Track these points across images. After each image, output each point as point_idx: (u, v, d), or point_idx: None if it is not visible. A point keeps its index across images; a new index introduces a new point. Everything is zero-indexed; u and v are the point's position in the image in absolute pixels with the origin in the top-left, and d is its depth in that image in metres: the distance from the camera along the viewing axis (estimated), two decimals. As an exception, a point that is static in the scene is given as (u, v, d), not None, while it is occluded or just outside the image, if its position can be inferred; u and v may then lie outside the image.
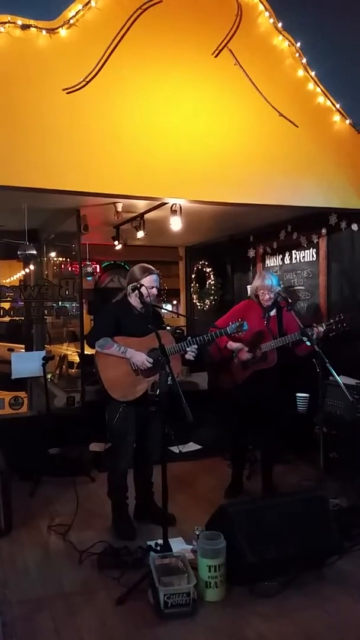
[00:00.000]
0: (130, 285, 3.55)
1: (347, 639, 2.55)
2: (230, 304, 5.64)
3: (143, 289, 3.49)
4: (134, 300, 3.58)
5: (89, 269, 7.85)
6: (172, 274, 9.61)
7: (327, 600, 2.84)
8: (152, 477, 3.78)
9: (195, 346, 3.52)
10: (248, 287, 6.26)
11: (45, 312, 5.04)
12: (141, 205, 5.01)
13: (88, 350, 4.11)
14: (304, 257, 5.60)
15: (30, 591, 2.96)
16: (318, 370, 3.56)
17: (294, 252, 5.76)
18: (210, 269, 7.51)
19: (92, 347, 3.55)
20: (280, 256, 5.99)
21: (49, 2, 4.12)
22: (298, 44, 4.45)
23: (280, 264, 5.99)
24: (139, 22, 3.90)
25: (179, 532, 3.50)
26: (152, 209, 5.11)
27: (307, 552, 3.02)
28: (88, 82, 3.76)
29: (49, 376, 5.11)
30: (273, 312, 4.15)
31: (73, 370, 6.82)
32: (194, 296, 8.02)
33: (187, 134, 4.06)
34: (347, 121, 4.66)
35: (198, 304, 7.86)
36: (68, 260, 7.62)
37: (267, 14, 4.32)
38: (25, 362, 4.91)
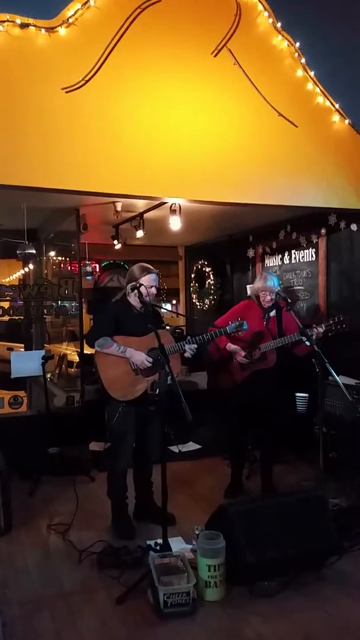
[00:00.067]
0: (130, 284, 3.55)
1: (347, 639, 2.56)
2: (230, 304, 5.64)
3: (142, 289, 3.49)
4: (133, 299, 3.58)
5: (89, 269, 7.84)
6: (171, 274, 9.61)
7: (327, 600, 2.84)
8: (152, 476, 3.78)
9: (195, 345, 3.52)
10: (247, 287, 6.26)
11: (45, 311, 5.03)
12: (141, 204, 5.01)
13: (87, 350, 4.11)
14: (303, 257, 5.61)
15: (30, 591, 2.96)
16: (317, 370, 3.56)
17: (293, 252, 5.76)
18: (209, 269, 7.51)
19: (92, 346, 3.55)
20: (280, 256, 5.99)
21: (48, 1, 4.12)
22: (297, 44, 4.45)
23: (280, 263, 5.99)
24: (138, 22, 3.90)
25: (178, 532, 3.50)
26: (152, 208, 5.11)
27: (306, 552, 3.02)
28: (87, 81, 3.76)
29: (48, 375, 5.11)
30: (273, 313, 4.15)
31: (72, 370, 6.81)
32: (194, 296, 8.02)
33: (186, 133, 4.06)
34: (346, 121, 4.66)
35: (197, 303, 7.86)
36: (67, 259, 7.60)
37: (266, 13, 4.33)
38: (25, 362, 4.91)
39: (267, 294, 4.07)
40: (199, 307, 7.83)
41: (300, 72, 4.47)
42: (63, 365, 6.71)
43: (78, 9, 3.75)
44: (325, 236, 5.24)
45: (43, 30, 3.68)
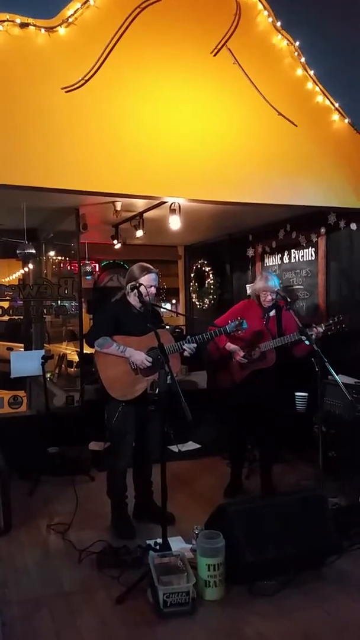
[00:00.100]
0: (129, 284, 3.55)
1: (346, 638, 2.56)
2: (229, 303, 5.65)
3: (142, 288, 3.49)
4: (133, 299, 3.58)
5: (88, 268, 7.84)
6: (171, 273, 9.60)
7: (326, 599, 2.84)
8: (152, 476, 3.78)
9: (194, 345, 3.52)
10: (247, 286, 6.26)
11: (45, 311, 5.03)
12: (140, 204, 5.01)
13: (87, 350, 4.11)
14: (302, 256, 5.61)
15: (30, 590, 2.96)
16: (317, 369, 3.56)
17: (292, 251, 5.76)
18: (209, 268, 7.51)
19: (92, 346, 3.55)
20: (279, 255, 5.99)
21: (48, 0, 4.12)
22: (297, 43, 4.45)
23: (279, 263, 5.99)
24: (137, 21, 3.90)
25: (178, 531, 3.50)
26: (151, 208, 5.11)
27: (305, 552, 3.03)
28: (87, 81, 3.76)
29: (48, 375, 5.11)
30: (272, 312, 4.15)
31: (72, 370, 6.81)
32: (193, 295, 8.02)
33: (186, 133, 4.06)
34: (346, 120, 4.66)
35: (197, 303, 7.86)
36: (67, 259, 7.61)
37: (265, 12, 4.33)
38: (25, 361, 4.91)
39: (268, 294, 4.07)
40: (198, 306, 7.83)
41: (299, 72, 4.47)
42: (63, 365, 6.72)
43: (78, 9, 3.75)
44: (325, 235, 5.24)
45: (43, 30, 3.67)
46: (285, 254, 5.88)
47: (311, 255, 5.46)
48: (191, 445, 5.47)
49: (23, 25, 3.62)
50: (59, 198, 4.22)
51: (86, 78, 3.75)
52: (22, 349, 6.80)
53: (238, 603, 2.81)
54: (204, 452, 5.33)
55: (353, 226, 4.87)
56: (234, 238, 6.88)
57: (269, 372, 4.06)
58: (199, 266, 7.79)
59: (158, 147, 3.96)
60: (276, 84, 4.36)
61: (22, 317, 5.90)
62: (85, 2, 3.76)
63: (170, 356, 3.26)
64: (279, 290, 4.10)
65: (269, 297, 4.08)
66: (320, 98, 4.56)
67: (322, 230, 5.24)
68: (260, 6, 4.31)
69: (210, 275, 7.46)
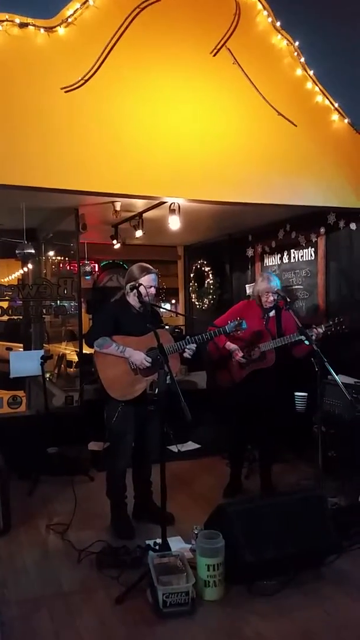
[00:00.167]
0: (129, 284, 3.55)
1: (346, 637, 2.56)
2: (229, 303, 5.65)
3: (141, 288, 3.49)
4: (132, 299, 3.58)
5: (88, 268, 7.84)
6: (170, 273, 9.60)
7: (326, 599, 2.84)
8: (151, 476, 3.78)
9: (194, 345, 3.52)
10: (247, 286, 6.26)
11: (44, 311, 5.03)
12: (140, 204, 5.01)
13: (87, 350, 4.11)
14: (302, 256, 5.61)
15: (29, 590, 2.96)
16: (317, 369, 3.56)
17: (292, 251, 5.76)
18: (208, 268, 7.51)
19: (91, 346, 3.55)
20: (279, 255, 5.99)
21: (47, 0, 4.12)
22: (296, 43, 4.45)
23: (279, 263, 5.99)
24: (137, 21, 3.89)
25: (177, 531, 3.50)
26: (151, 208, 5.11)
27: (305, 551, 3.03)
28: (86, 81, 3.76)
29: (47, 375, 5.11)
30: (272, 313, 4.15)
31: (72, 370, 6.81)
32: (193, 295, 8.02)
33: (185, 132, 4.05)
34: (346, 120, 4.66)
35: (197, 303, 7.86)
36: (66, 259, 7.61)
37: (265, 12, 4.32)
38: (24, 361, 4.91)
39: (270, 294, 4.06)
40: (198, 306, 7.83)
41: (299, 71, 4.47)
42: (62, 365, 6.71)
43: (77, 9, 3.75)
44: (325, 235, 5.24)
45: (42, 30, 3.67)
46: (285, 254, 5.88)
47: (311, 255, 5.46)
48: (191, 445, 5.47)
49: (22, 25, 3.61)
50: (59, 198, 4.22)
51: (86, 78, 3.75)
52: (22, 349, 6.80)
53: (237, 603, 2.81)
54: (203, 452, 5.33)
55: (353, 226, 4.87)
56: (234, 238, 6.88)
57: (269, 372, 4.06)
58: (198, 266, 7.79)
59: (157, 147, 3.96)
60: (276, 84, 4.36)
61: (21, 317, 5.91)
62: (84, 2, 3.76)
63: (169, 356, 3.26)
64: (278, 290, 4.10)
65: (271, 298, 4.08)
66: (319, 98, 4.55)
67: (322, 230, 5.25)
68: (259, 6, 4.31)
69: (210, 275, 7.46)
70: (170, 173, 4.01)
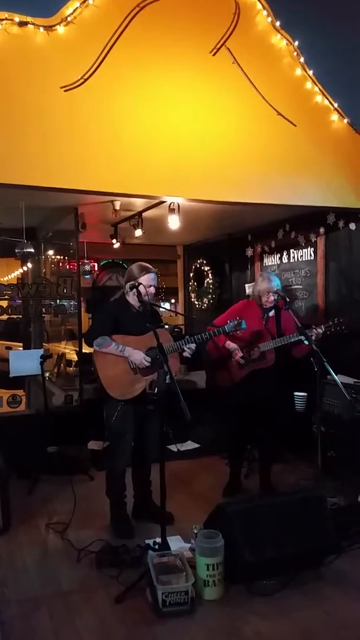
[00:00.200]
0: (129, 283, 3.55)
1: (346, 637, 2.56)
2: (229, 303, 5.65)
3: (141, 288, 3.49)
4: (132, 298, 3.58)
5: (87, 267, 7.84)
6: (170, 273, 9.60)
7: (325, 599, 2.84)
8: (151, 475, 3.78)
9: (194, 344, 3.52)
10: (246, 286, 6.26)
11: (43, 310, 5.03)
12: (139, 203, 5.01)
13: (86, 349, 4.11)
14: (302, 256, 5.61)
15: (29, 590, 2.97)
16: (316, 369, 3.57)
17: (292, 251, 5.76)
18: (208, 268, 7.51)
19: (91, 345, 3.55)
20: (278, 255, 5.99)
21: (47, -1, 4.11)
22: (296, 43, 4.44)
23: (279, 263, 5.99)
24: (136, 20, 3.89)
25: (177, 531, 3.51)
26: (151, 207, 5.10)
27: (304, 551, 3.03)
28: (86, 80, 3.75)
29: (47, 374, 5.11)
30: (272, 313, 4.15)
31: (71, 369, 6.81)
32: (192, 295, 8.02)
33: (185, 132, 4.05)
34: (345, 120, 4.66)
35: (196, 302, 7.86)
36: (66, 258, 7.60)
37: (265, 12, 4.32)
38: (24, 361, 4.90)
39: (271, 294, 4.06)
40: (197, 306, 7.83)
41: (299, 71, 4.47)
42: (62, 364, 6.72)
43: (77, 8, 3.74)
44: (324, 235, 5.24)
45: (42, 29, 3.66)
46: (285, 253, 5.88)
47: (310, 255, 5.46)
48: (190, 445, 5.47)
49: (22, 24, 3.61)
50: (58, 197, 4.22)
51: (85, 77, 3.75)
52: (21, 348, 6.79)
53: (237, 602, 2.81)
54: (203, 452, 5.33)
55: (352, 226, 4.87)
56: (233, 238, 6.88)
57: (268, 371, 4.06)
58: (198, 266, 7.79)
59: (157, 146, 3.96)
60: (275, 84, 4.36)
61: (21, 316, 5.89)
62: (84, 1, 3.75)
63: (169, 356, 3.26)
64: (278, 290, 4.10)
65: (272, 298, 4.07)
66: (319, 98, 4.55)
67: (321, 230, 5.25)
68: (259, 6, 4.30)
69: (209, 274, 7.46)
70: (170, 172, 4.01)
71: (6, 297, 4.73)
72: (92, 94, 3.76)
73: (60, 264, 7.95)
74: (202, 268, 7.64)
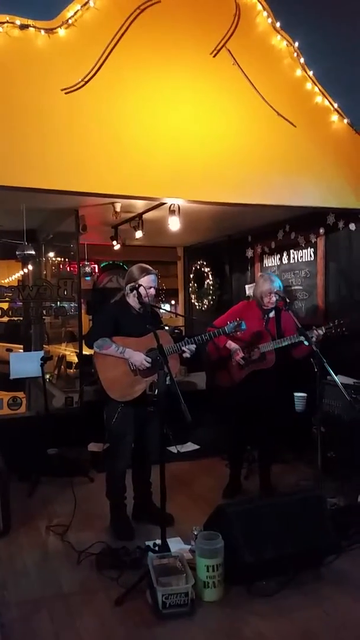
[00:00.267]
0: (129, 285, 3.55)
1: (346, 637, 2.56)
2: (229, 304, 5.65)
3: (141, 289, 3.49)
4: (132, 300, 3.58)
5: (88, 269, 7.85)
6: (170, 274, 9.60)
7: (326, 599, 2.84)
8: (151, 477, 3.77)
9: (194, 346, 3.52)
10: (246, 287, 6.26)
11: (44, 312, 5.03)
12: (140, 205, 5.01)
13: (86, 351, 4.11)
14: (302, 256, 5.61)
15: (29, 592, 2.96)
16: (316, 369, 3.57)
17: (292, 251, 5.76)
18: (208, 269, 7.51)
19: (91, 347, 3.55)
20: (279, 256, 5.99)
21: (48, 2, 4.12)
22: (296, 44, 4.45)
23: (279, 263, 6.00)
24: (137, 23, 3.90)
25: (177, 532, 3.50)
26: (151, 209, 5.11)
27: (304, 552, 3.03)
28: (87, 82, 3.76)
29: (47, 376, 5.11)
30: (272, 313, 4.15)
31: (71, 371, 6.81)
32: (192, 296, 8.02)
33: (185, 134, 4.06)
34: (345, 121, 4.66)
35: (196, 303, 7.86)
36: (66, 260, 7.61)
37: (265, 13, 4.33)
38: (24, 363, 4.90)
39: (273, 295, 4.06)
40: (197, 307, 7.83)
41: (299, 72, 4.47)
42: (62, 366, 6.72)
43: (77, 10, 3.75)
44: (324, 236, 5.24)
45: (42, 32, 3.67)
46: (285, 254, 5.88)
47: (310, 255, 5.47)
48: (190, 446, 5.47)
49: (23, 27, 3.62)
50: (58, 199, 4.22)
51: (86, 79, 3.75)
52: (22, 350, 6.80)
53: (237, 604, 2.81)
54: (203, 453, 5.33)
55: (352, 227, 4.87)
56: (233, 239, 6.88)
57: (269, 372, 4.06)
58: (198, 267, 7.79)
59: (157, 148, 3.96)
60: (275, 85, 4.36)
61: (21, 318, 5.90)
62: (85, 4, 3.76)
63: (169, 357, 3.26)
64: (278, 291, 4.10)
65: (274, 299, 4.07)
66: (319, 98, 4.55)
67: (321, 230, 5.25)
68: (259, 7, 4.31)
69: (210, 276, 7.46)
70: (170, 174, 4.01)
71: (7, 299, 4.73)
72: (92, 96, 3.77)
73: (61, 266, 7.96)
74: (202, 269, 7.64)
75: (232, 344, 4.09)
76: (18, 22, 3.61)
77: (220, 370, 4.24)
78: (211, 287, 7.42)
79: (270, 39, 4.39)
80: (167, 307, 11.96)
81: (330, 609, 2.75)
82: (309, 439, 4.31)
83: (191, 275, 8.04)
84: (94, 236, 6.35)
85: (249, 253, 6.53)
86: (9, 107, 3.57)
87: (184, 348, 3.51)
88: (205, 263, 7.60)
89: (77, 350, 5.38)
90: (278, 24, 4.39)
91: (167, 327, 5.69)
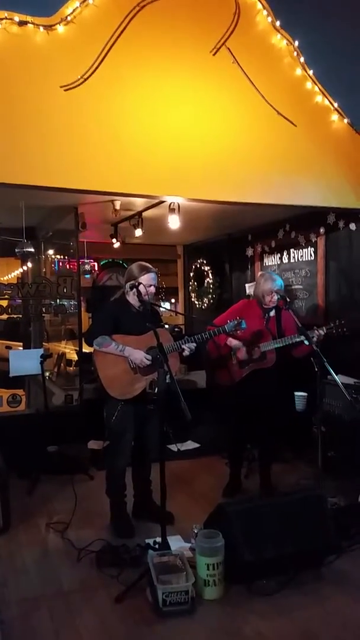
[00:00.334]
0: (129, 283, 3.55)
1: (346, 637, 2.56)
2: (229, 303, 5.65)
3: (141, 287, 3.49)
4: (132, 298, 3.58)
5: (87, 267, 7.84)
6: (170, 272, 9.61)
7: (326, 599, 2.84)
8: (151, 475, 3.78)
9: (194, 344, 3.52)
10: (247, 285, 6.26)
11: (43, 309, 5.02)
12: (139, 203, 5.00)
13: (86, 348, 4.10)
14: (302, 256, 5.61)
15: (29, 589, 2.96)
16: (316, 369, 3.56)
17: (292, 251, 5.76)
18: (208, 268, 7.51)
19: (91, 345, 3.54)
20: (279, 255, 5.99)
21: (47, -2, 4.11)
22: (296, 43, 4.44)
23: (279, 262, 5.99)
24: (136, 20, 3.89)
25: (177, 531, 3.51)
26: (151, 207, 5.10)
27: (304, 551, 3.03)
28: (86, 80, 3.75)
29: (47, 374, 5.11)
30: (272, 312, 4.15)
31: (71, 368, 6.80)
32: (192, 294, 8.01)
33: (185, 132, 4.05)
34: (345, 120, 4.65)
35: (196, 302, 7.86)
36: (66, 258, 7.60)
37: (265, 12, 4.31)
38: (23, 360, 4.90)
39: (274, 294, 4.05)
40: (197, 305, 7.83)
41: (299, 71, 4.46)
42: (62, 364, 6.71)
43: (77, 7, 3.74)
44: (324, 235, 5.24)
45: (41, 28, 3.66)
46: (285, 253, 5.88)
47: (310, 255, 5.46)
48: (190, 445, 5.47)
49: (22, 24, 3.60)
50: (58, 197, 4.21)
51: (85, 77, 3.74)
52: (21, 348, 6.79)
53: (237, 602, 2.81)
54: (203, 452, 5.33)
55: (352, 226, 4.87)
56: (233, 237, 6.87)
57: (269, 371, 4.06)
58: (198, 265, 7.79)
59: (157, 146, 3.96)
60: (275, 84, 4.35)
61: (20, 316, 5.89)
62: (84, 1, 3.74)
63: (169, 355, 3.26)
64: (278, 290, 4.10)
65: (275, 298, 4.06)
66: (319, 98, 4.55)
67: (322, 230, 5.24)
68: (259, 5, 4.30)
69: (210, 274, 7.46)
70: (170, 172, 4.01)
71: (6, 296, 4.73)
72: (91, 94, 3.76)
73: (60, 264, 7.95)
74: (202, 268, 7.64)
75: (232, 341, 4.08)
76: (17, 18, 3.59)
77: (220, 369, 4.24)
78: (211, 286, 7.42)
79: (270, 37, 4.38)
80: (167, 305, 11.96)
81: (330, 609, 2.76)
82: (310, 438, 4.32)
83: (191, 274, 8.04)
84: (94, 234, 6.35)
85: (249, 252, 6.52)
86: (8, 105, 3.55)
87: (184, 346, 3.51)
88: (205, 261, 7.60)
89: (77, 348, 5.38)
90: (278, 23, 4.38)
91: (167, 326, 5.69)
